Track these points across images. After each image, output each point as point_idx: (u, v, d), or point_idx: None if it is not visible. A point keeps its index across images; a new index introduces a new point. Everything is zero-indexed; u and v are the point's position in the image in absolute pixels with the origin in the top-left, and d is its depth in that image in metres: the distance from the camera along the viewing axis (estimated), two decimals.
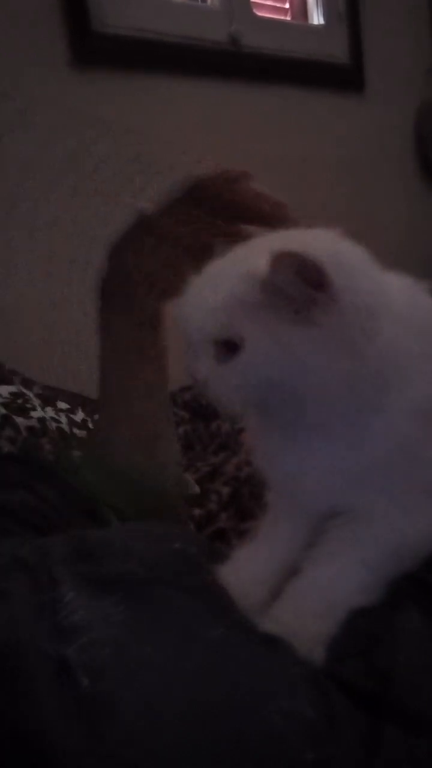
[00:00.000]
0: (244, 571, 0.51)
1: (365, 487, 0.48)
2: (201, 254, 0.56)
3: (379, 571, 0.48)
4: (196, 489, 0.76)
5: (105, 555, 0.45)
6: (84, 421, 0.97)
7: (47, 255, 1.34)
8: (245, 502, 0.84)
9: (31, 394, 0.97)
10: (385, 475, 0.47)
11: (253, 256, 0.46)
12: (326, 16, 1.84)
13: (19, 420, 0.89)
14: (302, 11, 1.85)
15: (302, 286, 0.43)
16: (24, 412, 0.91)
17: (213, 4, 1.64)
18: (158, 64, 1.51)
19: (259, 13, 1.71)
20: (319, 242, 0.47)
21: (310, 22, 1.85)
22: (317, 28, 1.85)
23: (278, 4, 1.79)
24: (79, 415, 0.98)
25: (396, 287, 0.49)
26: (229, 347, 0.46)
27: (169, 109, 1.51)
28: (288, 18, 1.81)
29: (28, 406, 0.93)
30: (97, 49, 1.41)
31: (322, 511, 0.50)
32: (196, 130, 1.52)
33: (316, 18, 1.85)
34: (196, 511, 0.83)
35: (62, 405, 0.98)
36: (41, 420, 0.90)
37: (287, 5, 1.81)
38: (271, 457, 0.51)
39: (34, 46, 1.34)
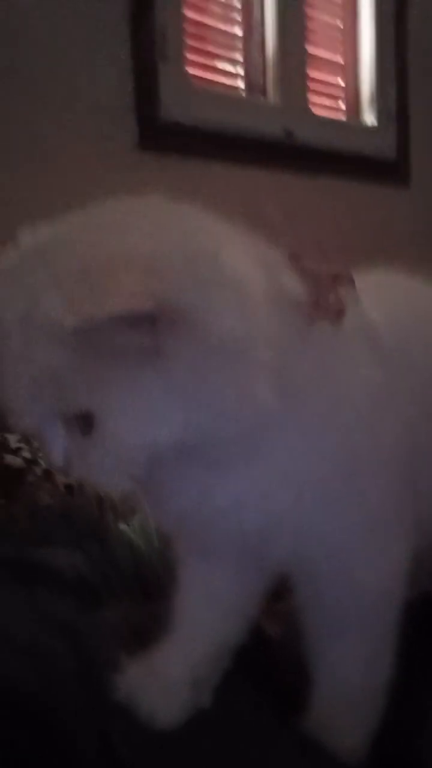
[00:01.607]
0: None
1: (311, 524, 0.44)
2: None
3: (378, 638, 0.48)
4: None
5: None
6: None
7: None
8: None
9: None
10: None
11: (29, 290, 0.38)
12: (378, 115, 1.96)
13: (59, 477, 0.96)
14: (355, 110, 1.97)
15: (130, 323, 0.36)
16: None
17: (272, 100, 1.77)
18: (216, 151, 1.63)
19: (315, 111, 1.84)
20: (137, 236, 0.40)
21: (362, 120, 1.97)
22: (368, 126, 1.97)
23: (333, 104, 1.92)
24: None
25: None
26: (79, 418, 0.39)
27: (222, 193, 1.62)
28: (341, 116, 1.93)
29: None
30: (162, 135, 1.54)
31: (260, 557, 0.47)
32: (244, 217, 1.62)
33: (368, 117, 1.97)
34: None
35: None
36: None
37: (342, 105, 1.93)
38: (197, 495, 0.44)
39: (104, 130, 1.47)
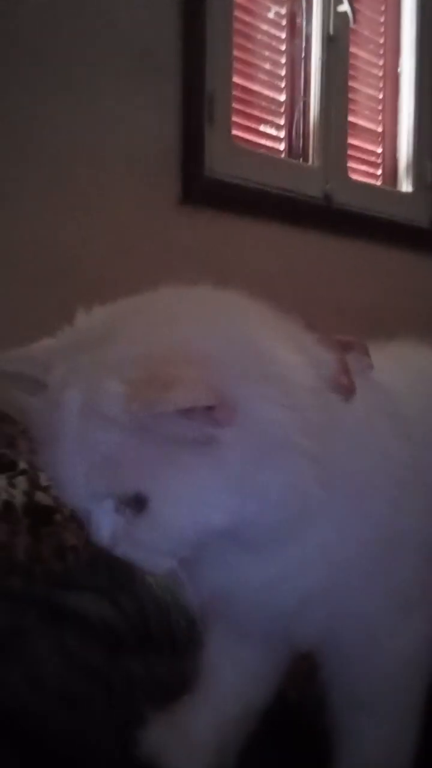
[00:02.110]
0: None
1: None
2: None
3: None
4: None
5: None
6: None
7: None
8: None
9: None
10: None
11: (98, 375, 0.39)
12: (414, 183, 2.02)
13: None
14: (392, 177, 2.02)
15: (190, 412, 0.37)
16: None
17: (312, 164, 1.82)
18: (257, 210, 1.68)
19: (353, 176, 1.89)
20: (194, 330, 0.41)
21: (398, 188, 2.02)
22: (404, 194, 2.02)
23: (371, 170, 1.97)
24: None
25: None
26: (131, 499, 0.40)
27: (259, 251, 1.67)
28: (378, 182, 1.99)
29: None
30: (205, 191, 1.59)
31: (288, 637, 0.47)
32: (278, 273, 1.66)
33: (405, 185, 2.02)
34: None
35: None
36: None
37: (379, 172, 1.99)
38: (231, 575, 0.45)
39: (150, 184, 1.53)
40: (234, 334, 0.42)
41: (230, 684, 0.50)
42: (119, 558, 0.79)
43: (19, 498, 0.91)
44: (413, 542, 0.47)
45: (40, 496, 0.94)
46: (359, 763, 0.49)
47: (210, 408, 0.38)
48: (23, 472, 0.99)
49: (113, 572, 0.67)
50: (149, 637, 0.61)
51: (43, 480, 0.99)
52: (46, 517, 0.89)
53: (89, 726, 0.44)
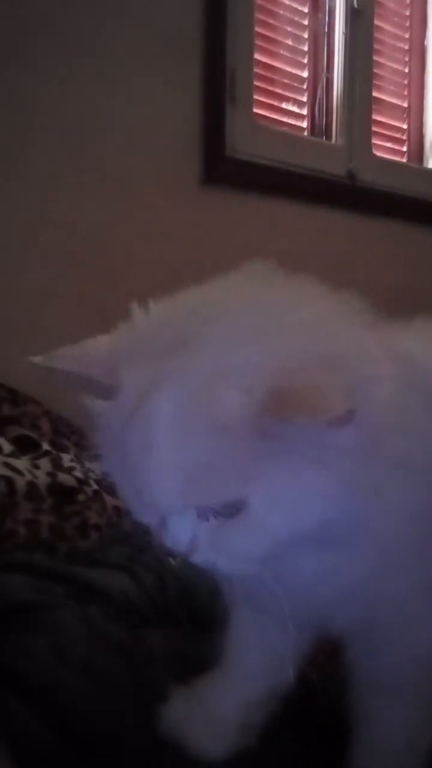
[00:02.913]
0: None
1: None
2: None
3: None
4: None
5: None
6: None
7: None
8: None
9: None
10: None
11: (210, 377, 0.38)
12: None
13: (108, 498, 0.98)
14: (418, 154, 1.98)
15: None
16: (112, 491, 0.99)
17: (336, 142, 1.79)
18: (280, 189, 1.66)
19: (378, 153, 1.86)
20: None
21: (424, 164, 1.98)
22: (431, 170, 1.97)
23: (396, 147, 1.93)
24: None
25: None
26: (226, 505, 0.38)
27: (282, 231, 1.65)
28: (404, 159, 1.95)
29: None
30: (227, 172, 1.58)
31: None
32: (302, 252, 1.64)
33: (431, 161, 1.98)
34: None
35: None
36: None
37: (405, 148, 1.95)
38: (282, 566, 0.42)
39: (171, 164, 1.51)
40: (344, 333, 0.41)
41: (255, 664, 0.50)
42: (142, 536, 0.79)
43: (42, 478, 0.92)
44: None
45: (63, 477, 0.95)
46: (378, 746, 0.49)
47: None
48: (46, 453, 1.00)
49: (136, 550, 0.68)
50: (171, 613, 0.61)
51: (66, 461, 1.00)
52: (70, 497, 0.90)
53: (113, 700, 0.45)
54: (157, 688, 0.47)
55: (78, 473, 0.99)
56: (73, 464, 1.00)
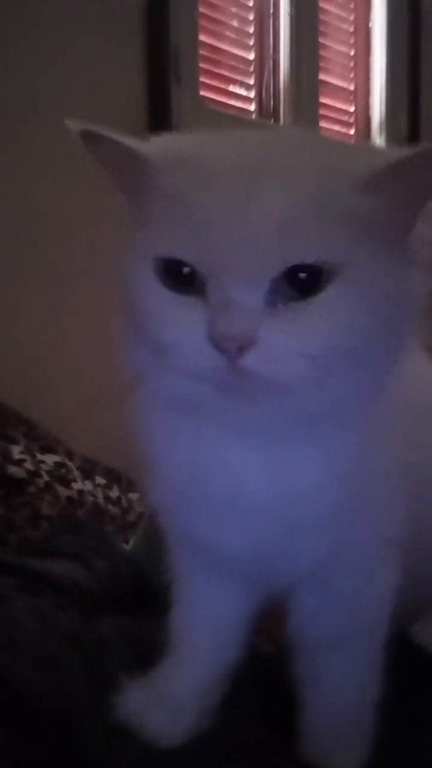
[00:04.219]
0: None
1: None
2: None
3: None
4: None
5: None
6: (118, 498, 1.02)
7: None
8: None
9: (73, 466, 1.04)
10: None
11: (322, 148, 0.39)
12: (388, 142, 1.98)
13: (60, 489, 0.95)
14: (366, 136, 1.99)
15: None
16: (65, 482, 0.97)
17: (284, 124, 1.78)
18: None
19: (326, 135, 1.86)
20: None
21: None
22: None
23: (344, 129, 1.94)
24: (115, 492, 1.03)
25: None
26: (302, 283, 0.34)
27: None
28: (351, 142, 1.95)
29: (70, 477, 0.99)
30: None
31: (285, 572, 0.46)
32: None
33: (378, 143, 1.99)
34: None
35: (100, 480, 1.04)
36: (80, 492, 0.96)
37: (352, 131, 1.95)
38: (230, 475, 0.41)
39: None
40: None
41: (207, 643, 0.50)
42: (91, 522, 0.78)
43: None
44: (415, 481, 0.46)
45: (13, 470, 0.93)
46: (330, 703, 0.49)
47: None
48: None
49: (86, 537, 0.66)
50: (124, 598, 0.60)
51: (16, 453, 0.97)
52: (19, 489, 0.88)
53: (66, 691, 0.43)
54: (109, 677, 0.45)
55: (29, 465, 0.96)
56: (23, 456, 0.98)
